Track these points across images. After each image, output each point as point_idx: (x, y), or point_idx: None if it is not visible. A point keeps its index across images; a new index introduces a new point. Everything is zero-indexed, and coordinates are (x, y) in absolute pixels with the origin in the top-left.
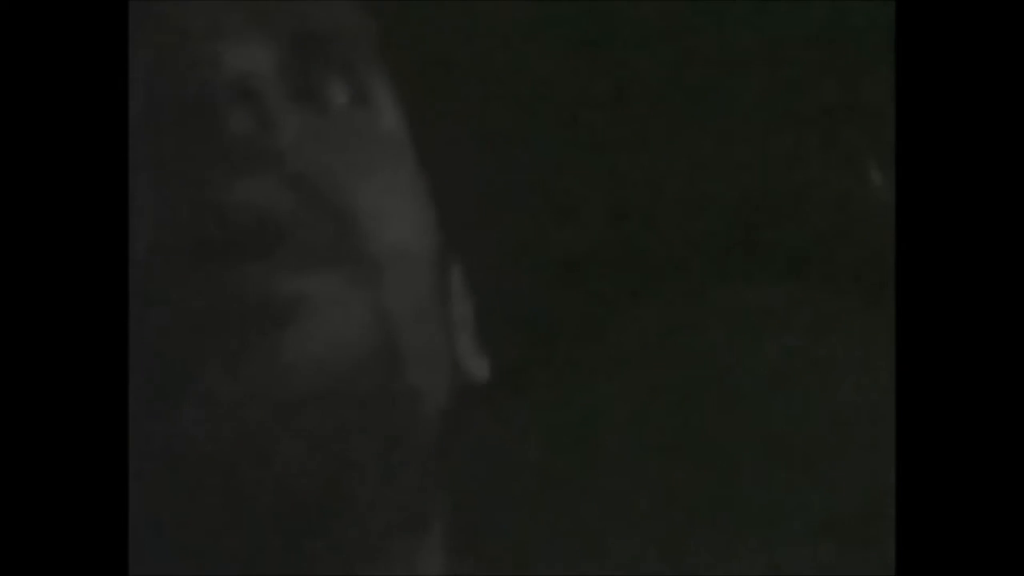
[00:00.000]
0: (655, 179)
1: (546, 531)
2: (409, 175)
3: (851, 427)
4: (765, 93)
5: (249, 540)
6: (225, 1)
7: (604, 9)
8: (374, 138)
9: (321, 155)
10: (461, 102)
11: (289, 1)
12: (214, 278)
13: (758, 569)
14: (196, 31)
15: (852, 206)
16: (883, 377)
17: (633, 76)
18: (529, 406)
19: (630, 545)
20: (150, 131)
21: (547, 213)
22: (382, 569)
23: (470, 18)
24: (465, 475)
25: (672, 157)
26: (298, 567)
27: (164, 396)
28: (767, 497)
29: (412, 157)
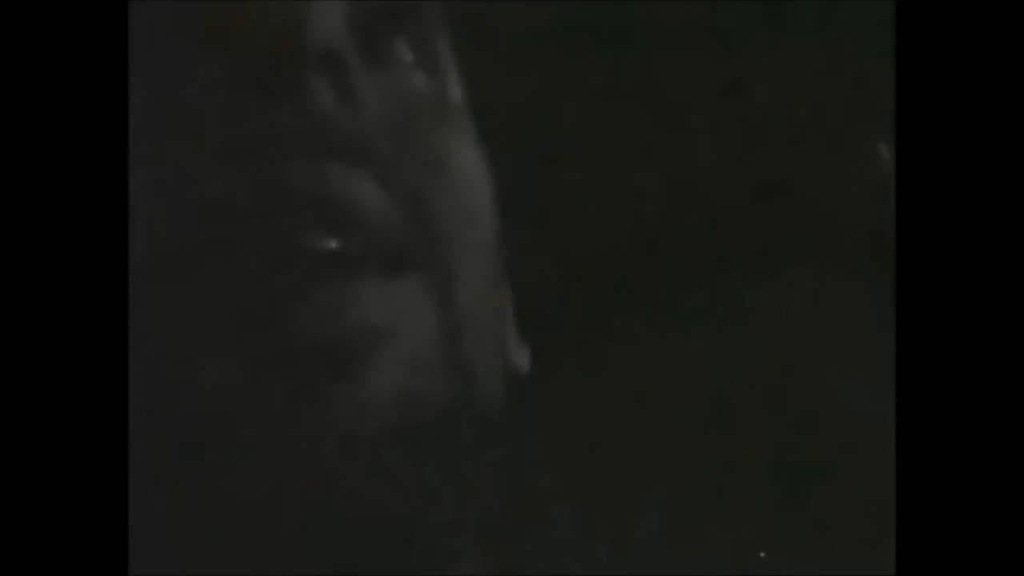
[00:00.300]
0: (664, 177)
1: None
2: (474, 150)
3: (851, 427)
4: (766, 92)
5: (244, 538)
6: None
7: (604, 9)
8: (442, 106)
9: (395, 125)
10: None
11: None
12: (222, 274)
13: (758, 569)
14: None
15: (853, 204)
16: (884, 376)
17: (636, 75)
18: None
19: (630, 544)
20: (151, 129)
21: (555, 209)
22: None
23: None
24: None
25: (675, 156)
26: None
27: (164, 396)
28: (767, 496)
29: (475, 130)
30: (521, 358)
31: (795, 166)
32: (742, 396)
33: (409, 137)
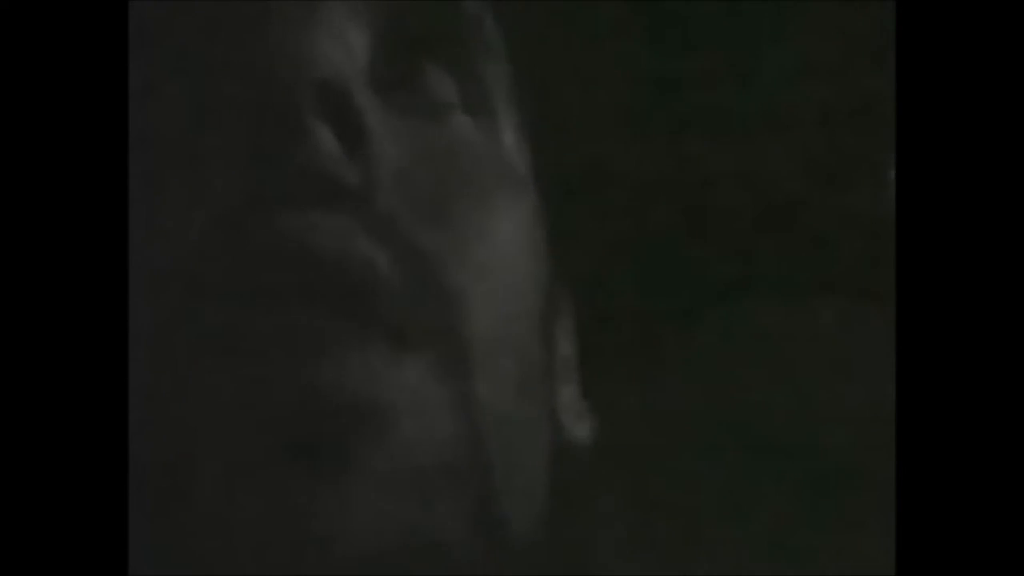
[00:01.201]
0: (660, 186)
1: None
2: (529, 209)
3: (852, 428)
4: (766, 94)
5: (242, 542)
6: None
7: (604, 8)
8: (490, 159)
9: (421, 176)
10: None
11: None
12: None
13: (759, 569)
14: (272, 22)
15: (853, 211)
16: (884, 382)
17: (637, 74)
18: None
19: (629, 544)
20: (151, 129)
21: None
22: None
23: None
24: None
25: (674, 161)
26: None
27: (164, 396)
28: (768, 499)
29: (533, 185)
30: (582, 430)
31: (794, 169)
32: (748, 412)
33: (436, 192)
